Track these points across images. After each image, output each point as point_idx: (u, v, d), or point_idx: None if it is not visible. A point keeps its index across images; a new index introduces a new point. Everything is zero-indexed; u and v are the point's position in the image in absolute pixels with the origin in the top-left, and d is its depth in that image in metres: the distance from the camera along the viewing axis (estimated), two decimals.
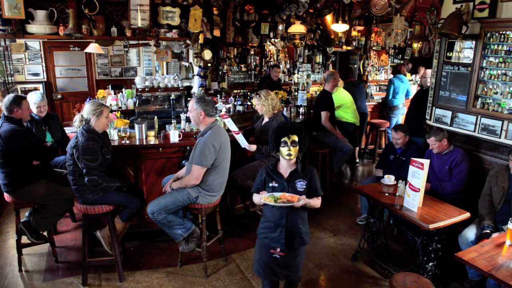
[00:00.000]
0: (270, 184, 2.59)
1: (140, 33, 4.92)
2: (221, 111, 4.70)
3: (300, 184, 2.56)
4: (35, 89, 7.71)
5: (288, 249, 2.57)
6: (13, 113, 3.40)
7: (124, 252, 3.74)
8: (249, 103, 5.31)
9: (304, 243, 2.63)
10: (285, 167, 2.61)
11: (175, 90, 5.17)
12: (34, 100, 3.99)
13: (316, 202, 2.62)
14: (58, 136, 4.23)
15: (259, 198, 2.53)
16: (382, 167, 4.39)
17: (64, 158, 3.98)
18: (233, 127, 3.89)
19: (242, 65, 7.61)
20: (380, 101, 7.40)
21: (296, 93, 6.45)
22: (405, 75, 7.25)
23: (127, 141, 3.88)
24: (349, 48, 8.19)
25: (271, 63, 7.94)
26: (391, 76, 7.53)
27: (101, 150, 3.14)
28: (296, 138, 2.52)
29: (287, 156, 2.52)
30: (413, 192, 3.18)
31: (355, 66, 8.72)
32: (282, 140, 2.51)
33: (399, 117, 7.07)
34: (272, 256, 2.59)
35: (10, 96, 3.43)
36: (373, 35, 8.22)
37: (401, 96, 7.00)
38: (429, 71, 5.32)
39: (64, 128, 4.51)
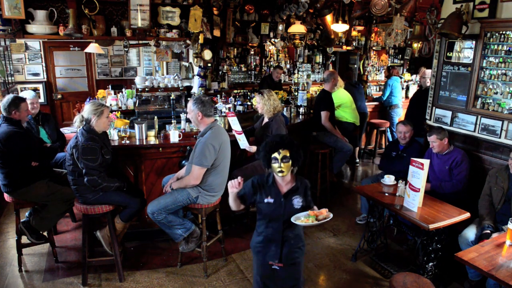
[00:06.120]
0: (265, 200, 2.42)
1: (140, 33, 4.91)
2: (221, 111, 4.70)
3: (297, 201, 2.42)
4: (35, 89, 7.71)
5: (287, 261, 2.46)
6: (11, 114, 3.40)
7: (124, 252, 3.74)
8: (249, 103, 5.30)
9: (302, 255, 2.51)
10: (280, 181, 2.44)
11: (175, 90, 5.17)
12: (28, 97, 3.99)
13: None
14: (54, 136, 4.23)
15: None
16: (384, 165, 4.40)
17: (64, 155, 3.97)
18: (236, 126, 3.86)
19: (242, 65, 7.61)
20: (377, 103, 7.42)
21: (296, 93, 6.45)
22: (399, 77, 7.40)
23: (127, 141, 3.88)
24: (349, 48, 8.18)
25: (274, 64, 7.93)
26: (384, 77, 7.61)
27: (101, 151, 3.14)
28: (287, 153, 2.35)
29: (279, 173, 2.37)
30: (413, 192, 3.18)
31: (355, 66, 8.72)
32: (273, 156, 2.36)
33: (399, 116, 7.09)
34: (271, 268, 2.47)
35: (8, 97, 3.42)
36: (373, 35, 8.21)
37: (399, 94, 7.07)
38: (428, 71, 5.32)
39: (64, 128, 4.50)
